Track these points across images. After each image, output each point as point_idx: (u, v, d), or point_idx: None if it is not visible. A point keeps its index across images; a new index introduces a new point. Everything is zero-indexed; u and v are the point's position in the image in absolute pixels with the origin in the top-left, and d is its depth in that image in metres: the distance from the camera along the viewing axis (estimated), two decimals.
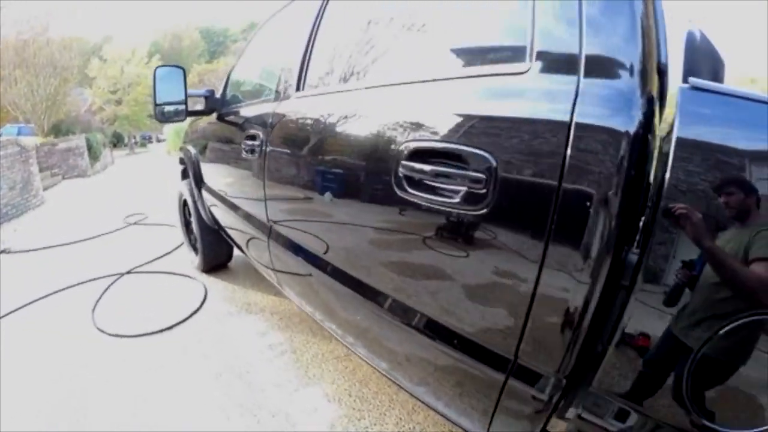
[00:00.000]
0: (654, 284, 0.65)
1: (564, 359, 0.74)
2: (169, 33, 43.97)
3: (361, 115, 1.23)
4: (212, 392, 1.93)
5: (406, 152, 0.95)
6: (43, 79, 14.21)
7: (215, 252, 3.08)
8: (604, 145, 0.66)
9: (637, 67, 0.68)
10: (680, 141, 0.63)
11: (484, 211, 0.80)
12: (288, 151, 1.58)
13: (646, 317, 0.66)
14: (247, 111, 2.07)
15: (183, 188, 3.12)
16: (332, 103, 1.39)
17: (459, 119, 0.88)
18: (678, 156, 0.62)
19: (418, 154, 0.92)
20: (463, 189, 0.82)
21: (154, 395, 1.92)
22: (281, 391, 1.93)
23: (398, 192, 0.97)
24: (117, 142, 25.72)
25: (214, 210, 2.66)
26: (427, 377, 1.14)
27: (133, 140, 27.42)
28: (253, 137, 1.81)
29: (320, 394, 1.90)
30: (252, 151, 1.81)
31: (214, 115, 2.48)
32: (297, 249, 1.59)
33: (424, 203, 0.91)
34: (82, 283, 3.15)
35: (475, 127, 0.84)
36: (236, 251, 3.00)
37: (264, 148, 1.68)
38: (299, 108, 1.57)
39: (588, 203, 0.66)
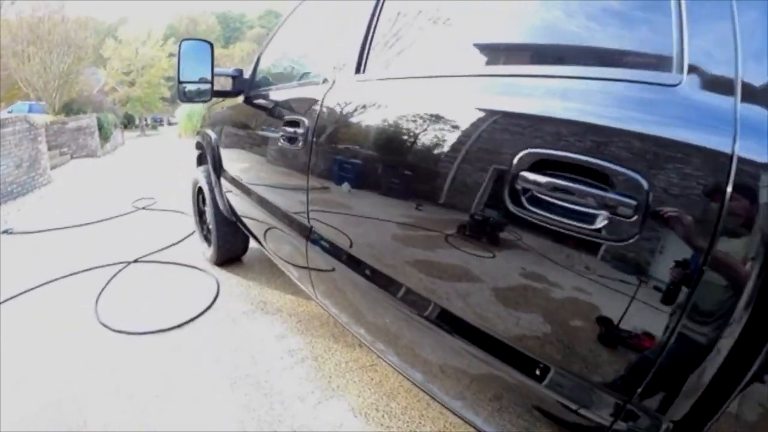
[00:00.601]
0: None
1: (682, 404, 0.65)
2: (186, 17, 44.05)
3: (459, 108, 0.98)
4: (227, 403, 1.72)
5: (527, 161, 0.78)
6: (56, 57, 14.08)
7: (230, 244, 2.86)
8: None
9: None
10: None
11: (625, 241, 0.67)
12: (344, 143, 1.34)
13: None
14: (285, 94, 1.83)
15: (199, 175, 2.90)
16: (414, 90, 1.15)
17: (601, 129, 0.72)
18: None
19: (546, 165, 0.76)
20: (602, 213, 0.69)
21: (161, 406, 1.71)
22: (304, 404, 1.72)
23: (512, 208, 0.80)
24: (128, 123, 25.89)
25: (233, 200, 2.44)
26: (497, 411, 0.98)
27: (144, 122, 27.53)
28: (294, 124, 1.58)
29: (345, 407, 1.70)
30: (292, 140, 1.58)
31: (241, 98, 2.26)
32: (344, 256, 1.38)
33: (549, 225, 0.75)
34: (86, 270, 2.95)
35: (622, 142, 0.69)
36: (252, 243, 2.79)
37: (310, 137, 1.45)
38: (360, 94, 1.34)
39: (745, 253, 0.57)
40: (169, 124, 31.77)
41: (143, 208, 4.72)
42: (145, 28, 26.62)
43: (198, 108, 18.61)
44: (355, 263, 1.32)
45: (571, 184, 0.71)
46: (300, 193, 1.54)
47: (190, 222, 3.49)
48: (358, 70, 1.36)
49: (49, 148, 8.71)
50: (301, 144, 1.51)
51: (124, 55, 24.55)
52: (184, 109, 18.03)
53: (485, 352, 0.93)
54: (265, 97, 2.01)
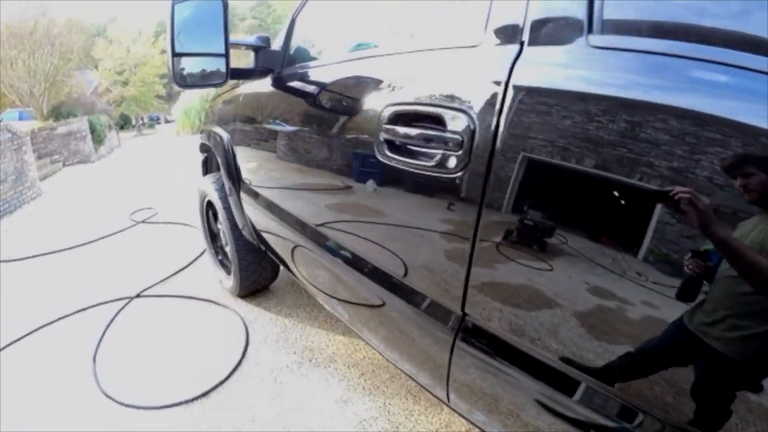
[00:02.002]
0: None
1: None
2: None
3: None
4: None
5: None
6: (40, 57, 13.37)
7: (256, 275, 2.25)
8: None
9: None
10: None
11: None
12: (576, 163, 0.66)
13: None
14: (373, 70, 1.14)
15: (207, 186, 2.28)
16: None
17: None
18: None
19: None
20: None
21: None
22: None
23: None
24: (124, 124, 25.58)
25: (260, 223, 1.83)
26: None
27: (141, 122, 27.11)
28: (438, 121, 0.84)
29: None
30: (417, 153, 0.90)
31: (267, 80, 1.63)
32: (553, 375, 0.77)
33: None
34: (80, 311, 2.36)
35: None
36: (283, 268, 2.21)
37: (481, 149, 0.76)
38: (600, 70, 0.66)
39: None
40: (167, 122, 31.10)
41: (143, 222, 4.11)
42: (136, 26, 25.93)
43: (195, 102, 17.83)
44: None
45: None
46: (444, 257, 0.91)
47: (198, 236, 2.89)
48: (590, 29, 0.68)
49: (39, 157, 8.11)
50: (453, 162, 0.81)
51: (116, 55, 23.97)
52: (180, 106, 17.36)
53: None
54: (314, 76, 1.40)
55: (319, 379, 1.78)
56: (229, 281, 2.37)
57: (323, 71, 1.37)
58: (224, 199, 2.10)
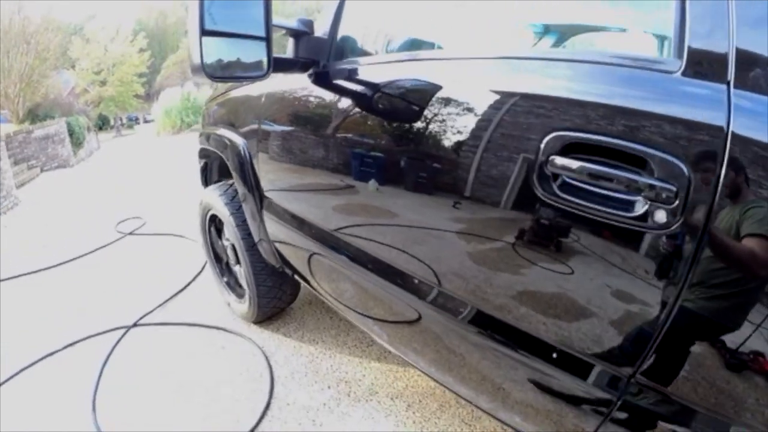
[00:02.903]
0: None
1: None
2: (155, 10, 42.01)
3: None
4: None
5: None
6: (14, 57, 12.75)
7: (277, 299, 1.95)
8: None
9: None
10: None
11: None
12: None
13: None
14: (521, 81, 0.86)
15: (213, 199, 1.98)
16: None
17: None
18: None
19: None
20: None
21: None
22: None
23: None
24: (103, 124, 25.09)
25: (291, 244, 1.55)
26: None
27: (119, 122, 26.49)
28: (636, 163, 0.68)
29: None
30: (631, 205, 0.68)
31: (305, 76, 1.32)
32: None
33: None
34: (69, 346, 2.04)
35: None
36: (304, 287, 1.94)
37: (698, 212, 0.62)
38: None
39: None
40: (146, 121, 30.37)
41: (130, 233, 3.76)
42: (114, 24, 25.29)
43: (175, 101, 17.21)
44: None
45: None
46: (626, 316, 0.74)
47: (194, 249, 2.59)
48: None
49: (15, 163, 7.67)
50: (662, 218, 0.65)
51: (93, 54, 23.26)
52: (161, 105, 16.88)
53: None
54: (390, 75, 1.12)
55: (364, 417, 1.53)
56: (241, 305, 2.07)
57: (405, 69, 1.09)
58: (238, 214, 1.80)
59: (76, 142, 11.22)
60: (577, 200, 0.71)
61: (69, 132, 10.57)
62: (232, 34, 1.02)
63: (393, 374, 1.74)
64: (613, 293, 0.73)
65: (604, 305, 0.75)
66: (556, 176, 0.74)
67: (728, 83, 0.60)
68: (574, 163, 0.71)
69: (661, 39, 1.10)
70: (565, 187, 0.73)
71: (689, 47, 0.64)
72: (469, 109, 0.88)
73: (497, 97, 0.85)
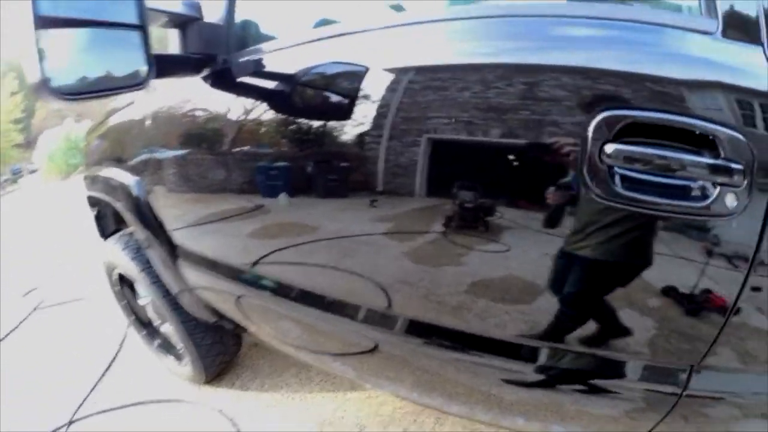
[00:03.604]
0: None
1: None
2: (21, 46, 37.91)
3: None
4: None
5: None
6: None
7: (221, 353, 1.66)
8: None
9: None
10: None
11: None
12: None
13: None
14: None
15: (115, 255, 1.63)
16: None
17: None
18: None
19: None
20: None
21: None
22: None
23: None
24: None
25: (220, 293, 1.28)
26: None
27: (1, 179, 23.59)
28: (699, 142, 0.58)
29: None
30: (704, 192, 0.59)
31: (201, 81, 1.01)
32: None
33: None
34: None
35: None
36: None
37: (763, 189, 0.57)
38: None
39: None
40: (30, 172, 27.32)
41: (35, 309, 3.19)
42: None
43: (59, 143, 15.42)
44: None
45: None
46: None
47: (98, 313, 2.25)
48: None
49: None
50: (732, 202, 0.58)
51: None
52: (43, 151, 15.23)
53: None
54: (295, 66, 0.88)
55: None
56: (183, 368, 1.75)
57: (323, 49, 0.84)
58: (148, 269, 1.48)
59: None
60: (639, 196, 0.60)
61: None
62: (87, 22, 0.69)
63: (375, 400, 1.55)
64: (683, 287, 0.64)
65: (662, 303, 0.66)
66: (610, 168, 0.60)
67: (763, 45, 0.55)
68: (636, 150, 0.58)
69: None
70: (626, 182, 0.60)
71: (722, 4, 0.57)
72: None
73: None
